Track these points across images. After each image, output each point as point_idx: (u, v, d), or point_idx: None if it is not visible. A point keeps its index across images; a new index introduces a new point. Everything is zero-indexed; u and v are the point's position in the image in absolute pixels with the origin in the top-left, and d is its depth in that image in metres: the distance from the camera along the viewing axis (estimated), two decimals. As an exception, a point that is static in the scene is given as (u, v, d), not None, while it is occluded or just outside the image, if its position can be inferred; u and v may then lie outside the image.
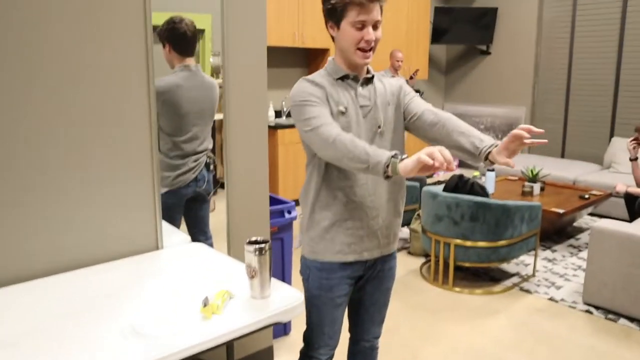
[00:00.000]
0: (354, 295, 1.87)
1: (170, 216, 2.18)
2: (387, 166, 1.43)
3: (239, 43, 2.25)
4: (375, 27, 1.62)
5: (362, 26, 1.60)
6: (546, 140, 1.54)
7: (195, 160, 2.49)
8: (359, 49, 1.63)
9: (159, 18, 2.18)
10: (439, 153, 1.35)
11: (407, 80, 6.34)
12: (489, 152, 1.56)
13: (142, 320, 1.44)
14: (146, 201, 2.01)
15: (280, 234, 2.73)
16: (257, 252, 1.54)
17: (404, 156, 1.43)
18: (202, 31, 2.68)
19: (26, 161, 1.72)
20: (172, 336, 1.36)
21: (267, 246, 1.56)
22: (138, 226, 2.00)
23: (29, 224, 1.75)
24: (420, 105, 1.76)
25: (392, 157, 1.43)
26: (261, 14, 2.30)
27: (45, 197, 1.77)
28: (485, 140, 1.59)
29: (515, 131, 1.49)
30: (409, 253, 4.47)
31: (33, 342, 1.35)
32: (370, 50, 1.64)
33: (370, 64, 1.72)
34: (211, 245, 2.48)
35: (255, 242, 1.57)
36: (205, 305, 1.47)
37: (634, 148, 4.25)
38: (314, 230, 1.75)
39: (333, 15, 1.64)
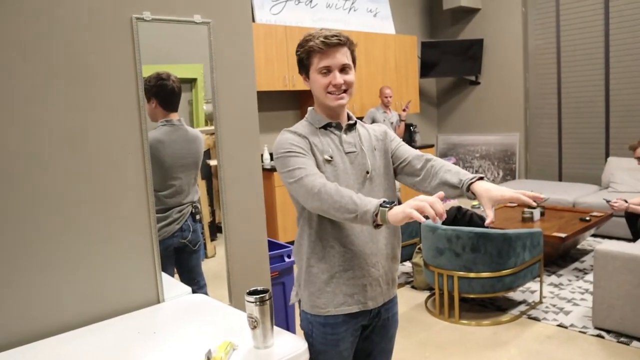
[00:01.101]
0: (359, 346, 1.81)
1: (161, 267, 2.16)
2: (376, 215, 1.40)
3: (229, 90, 2.28)
4: (343, 70, 1.64)
5: (327, 71, 1.63)
6: (543, 197, 1.56)
7: (179, 212, 2.48)
8: (329, 92, 1.65)
9: (148, 71, 2.21)
10: (430, 208, 1.33)
11: (399, 115, 6.41)
12: (471, 184, 1.58)
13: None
14: (145, 255, 2.00)
15: (282, 278, 2.71)
16: (258, 303, 1.53)
17: (393, 203, 1.40)
18: (194, 80, 2.72)
19: (21, 223, 1.72)
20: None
21: (267, 295, 1.55)
22: (138, 281, 1.98)
23: (27, 285, 1.74)
24: (408, 151, 1.78)
25: (381, 205, 1.40)
26: (249, 61, 2.34)
27: (42, 257, 1.76)
28: (470, 175, 1.61)
29: (522, 197, 1.51)
30: (413, 287, 4.42)
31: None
32: (343, 92, 1.65)
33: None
34: (205, 293, 2.45)
35: (256, 292, 1.56)
36: (208, 358, 1.45)
37: (615, 203, 4.19)
38: (312, 284, 1.70)
39: (302, 66, 1.69)
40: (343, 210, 1.45)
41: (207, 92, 2.89)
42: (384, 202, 1.41)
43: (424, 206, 1.33)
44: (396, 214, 1.37)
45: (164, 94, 2.44)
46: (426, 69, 7.73)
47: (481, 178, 1.60)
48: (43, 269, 1.76)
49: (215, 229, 2.77)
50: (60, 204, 1.78)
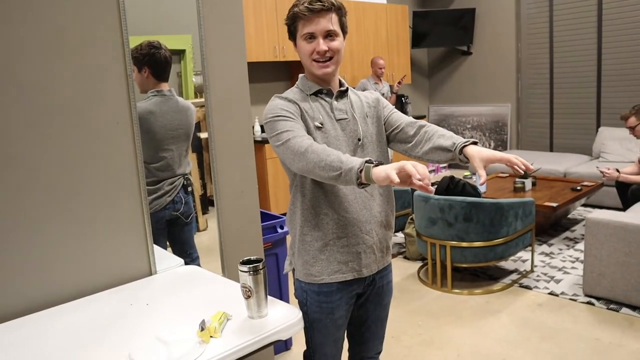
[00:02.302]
0: (354, 314, 1.82)
1: (153, 240, 2.15)
2: (361, 172, 1.37)
3: (219, 61, 2.24)
4: (328, 37, 1.61)
5: (311, 38, 1.60)
6: (532, 167, 1.55)
7: (171, 184, 2.46)
8: (314, 60, 1.62)
9: (135, 42, 2.16)
10: (414, 168, 1.30)
11: (391, 87, 6.36)
12: (464, 147, 1.56)
13: (139, 349, 1.41)
14: (136, 226, 1.98)
15: (275, 249, 2.71)
16: (251, 272, 1.51)
17: (378, 162, 1.38)
18: (183, 52, 2.67)
19: (8, 197, 1.69)
20: (170, 364, 1.33)
21: (261, 265, 1.53)
22: (130, 253, 1.96)
23: (19, 260, 1.72)
24: (401, 117, 1.76)
25: (366, 162, 1.38)
26: (239, 31, 2.29)
27: (31, 232, 1.74)
28: (463, 139, 1.60)
29: (514, 159, 1.50)
30: (405, 258, 4.45)
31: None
32: (327, 60, 1.62)
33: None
34: (198, 265, 2.45)
35: (249, 262, 1.54)
36: (202, 329, 1.44)
37: (607, 171, 4.30)
38: (306, 252, 1.69)
39: (290, 33, 1.67)
40: (328, 169, 1.42)
41: (196, 64, 2.84)
42: (369, 159, 1.38)
43: (405, 165, 1.30)
44: (379, 172, 1.34)
45: (156, 62, 2.39)
46: (417, 39, 7.65)
47: (475, 143, 1.58)
48: (32, 243, 1.74)
49: (207, 202, 2.75)
50: (47, 177, 1.75)
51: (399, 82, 6.25)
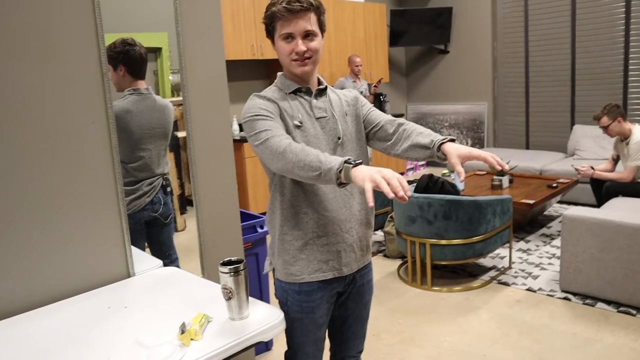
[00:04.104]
0: (335, 312, 1.81)
1: (131, 242, 2.11)
2: (340, 171, 1.36)
3: (197, 59, 2.21)
4: (307, 37, 1.60)
5: (290, 38, 1.59)
6: (507, 167, 1.57)
7: (149, 184, 2.42)
8: (293, 60, 1.61)
9: (109, 40, 2.12)
10: (386, 184, 1.29)
11: (369, 86, 6.37)
12: (442, 144, 1.57)
13: (119, 353, 1.38)
14: (113, 228, 1.94)
15: (255, 249, 2.69)
16: (232, 273, 1.49)
17: (358, 161, 1.37)
18: (159, 49, 2.63)
19: (-18, 198, 1.64)
20: (150, 368, 1.30)
21: (242, 266, 1.51)
22: (107, 255, 1.93)
23: (-11, 263, 1.67)
24: (380, 116, 1.76)
25: (346, 162, 1.37)
26: (217, 28, 2.27)
27: (9, 235, 1.69)
28: (442, 136, 1.61)
29: (490, 158, 1.51)
30: (385, 256, 4.46)
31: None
32: (306, 59, 1.61)
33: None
34: (177, 267, 2.42)
35: (230, 263, 1.52)
36: (183, 332, 1.42)
37: (582, 168, 4.43)
38: (286, 252, 1.68)
39: (268, 32, 1.65)
40: (307, 168, 1.41)
41: (172, 62, 2.80)
42: (348, 159, 1.38)
43: (380, 182, 1.29)
44: (361, 171, 1.33)
45: (131, 60, 2.35)
46: (395, 38, 7.67)
47: (453, 140, 1.59)
48: (6, 246, 1.69)
49: (185, 202, 2.72)
50: (20, 178, 1.71)
51: (376, 84, 6.26)
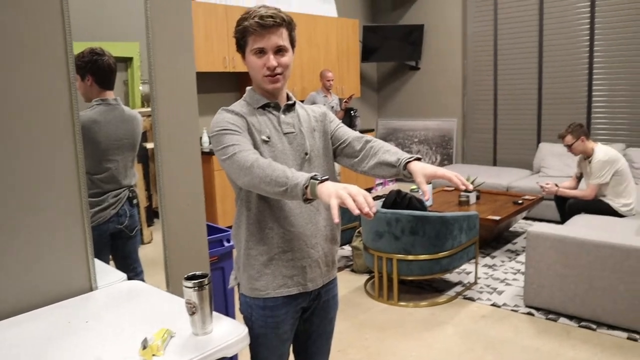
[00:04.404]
0: (300, 328, 1.80)
1: (96, 254, 2.08)
2: (306, 188, 1.37)
3: (167, 70, 2.20)
4: (279, 52, 1.61)
5: (262, 53, 1.60)
6: (471, 187, 1.59)
7: (115, 196, 2.39)
8: (264, 75, 1.62)
9: (79, 48, 2.09)
10: (351, 201, 1.30)
11: (340, 101, 6.42)
12: (408, 163, 1.60)
13: (76, 370, 1.35)
14: (76, 240, 1.90)
15: (221, 262, 2.67)
16: (196, 288, 1.48)
17: (324, 177, 1.38)
18: (130, 59, 2.61)
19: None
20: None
21: (206, 280, 1.51)
22: (68, 268, 1.89)
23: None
24: (348, 132, 1.78)
25: (312, 178, 1.38)
26: (188, 40, 2.26)
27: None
28: (408, 155, 1.64)
29: (454, 178, 1.55)
30: (353, 271, 4.47)
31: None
32: (277, 75, 1.62)
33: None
34: (142, 280, 2.38)
35: (194, 277, 1.51)
36: (144, 347, 1.40)
37: (547, 185, 4.55)
38: (251, 267, 1.67)
39: (239, 46, 1.66)
40: (274, 184, 1.41)
41: (143, 72, 2.78)
42: (315, 175, 1.39)
43: (345, 198, 1.31)
44: (327, 187, 1.34)
45: (100, 70, 2.33)
46: (367, 54, 7.76)
47: (419, 159, 1.62)
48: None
49: (152, 214, 2.68)
50: (-19, 187, 1.67)
51: (347, 100, 6.31)
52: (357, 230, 4.40)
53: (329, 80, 6.13)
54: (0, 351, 1.50)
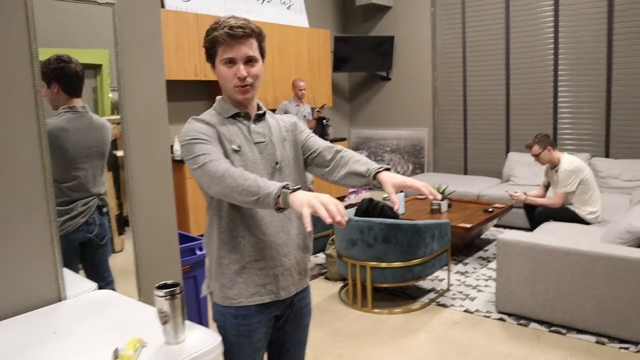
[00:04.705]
0: (273, 336, 1.79)
1: (65, 263, 2.04)
2: (278, 197, 1.38)
3: (136, 78, 2.18)
4: (249, 62, 1.61)
5: (231, 63, 1.60)
6: (440, 196, 1.62)
7: (84, 204, 2.35)
8: (235, 86, 1.62)
9: (45, 55, 2.06)
10: (324, 209, 1.31)
11: (312, 110, 6.44)
12: (377, 173, 1.61)
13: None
14: (44, 249, 1.86)
15: (193, 271, 2.64)
16: (168, 297, 1.46)
17: (296, 186, 1.39)
18: (100, 66, 2.57)
19: None
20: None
21: (178, 289, 1.49)
22: (36, 278, 1.84)
23: None
24: (318, 142, 1.79)
25: (284, 187, 1.39)
26: (158, 47, 2.25)
27: None
28: (377, 165, 1.65)
29: (423, 188, 1.57)
30: (327, 278, 4.46)
31: None
32: (247, 86, 1.62)
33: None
34: (113, 290, 2.34)
35: (166, 286, 1.49)
36: (116, 357, 1.37)
37: (515, 194, 4.67)
38: (223, 276, 1.66)
39: (209, 56, 1.66)
40: (246, 193, 1.42)
41: (113, 79, 2.74)
42: (286, 185, 1.39)
43: (318, 207, 1.32)
44: (299, 197, 1.35)
45: (66, 77, 2.29)
46: (339, 64, 7.81)
47: (388, 169, 1.64)
48: None
49: (123, 222, 2.64)
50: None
51: (319, 109, 6.33)
52: (330, 238, 4.40)
53: (301, 90, 6.14)
54: (-37, 364, 1.45)
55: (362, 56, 7.80)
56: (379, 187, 1.63)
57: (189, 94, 6.11)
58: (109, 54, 2.43)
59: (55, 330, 1.65)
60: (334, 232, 4.03)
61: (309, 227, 1.30)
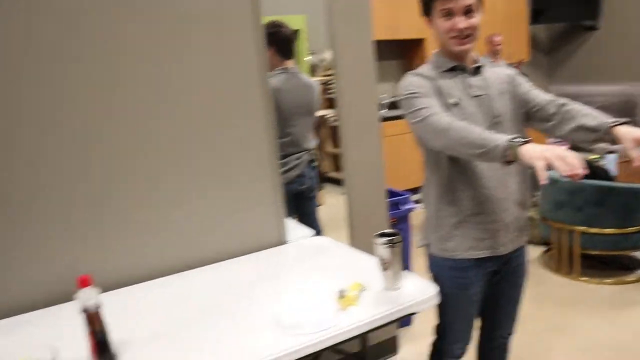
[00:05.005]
0: (488, 291, 1.77)
1: None
2: (506, 150, 1.32)
3: (347, 38, 2.23)
4: (467, 13, 1.54)
5: (449, 15, 1.54)
6: None
7: (297, 159, 2.51)
8: (451, 37, 1.56)
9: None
10: (573, 159, 1.23)
11: (507, 65, 6.08)
12: (612, 127, 1.46)
13: (283, 312, 1.45)
14: (269, 196, 2.04)
15: (398, 225, 2.69)
16: (389, 244, 1.51)
17: (526, 139, 1.32)
18: (298, 31, 2.70)
19: (158, 166, 1.80)
20: (313, 327, 1.35)
21: (397, 238, 1.52)
22: (263, 221, 2.04)
23: (163, 224, 1.84)
24: (540, 95, 1.67)
25: (511, 140, 1.32)
26: (366, 6, 2.27)
27: (177, 199, 1.84)
28: (612, 118, 1.49)
29: None
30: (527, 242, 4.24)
31: (184, 333, 1.41)
32: (465, 37, 1.56)
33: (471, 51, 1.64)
34: None
35: (384, 235, 1.53)
36: (342, 297, 1.46)
37: None
38: (442, 228, 1.66)
39: (425, 9, 1.61)
40: (471, 146, 1.38)
41: (310, 43, 2.86)
42: (514, 137, 1.33)
43: (553, 160, 1.23)
44: (526, 153, 1.28)
45: (280, 40, 2.44)
46: (537, 15, 7.21)
47: (627, 122, 1.47)
48: (176, 209, 1.85)
49: (323, 179, 2.78)
50: (191, 156, 1.85)
51: (517, 66, 5.95)
52: (532, 200, 4.16)
53: (496, 45, 5.82)
54: (201, 294, 1.66)
55: (563, 5, 7.10)
56: (612, 142, 1.48)
57: (381, 54, 6.12)
58: (307, 20, 2.52)
59: (281, 268, 1.82)
60: (538, 193, 3.80)
61: (543, 180, 1.23)
